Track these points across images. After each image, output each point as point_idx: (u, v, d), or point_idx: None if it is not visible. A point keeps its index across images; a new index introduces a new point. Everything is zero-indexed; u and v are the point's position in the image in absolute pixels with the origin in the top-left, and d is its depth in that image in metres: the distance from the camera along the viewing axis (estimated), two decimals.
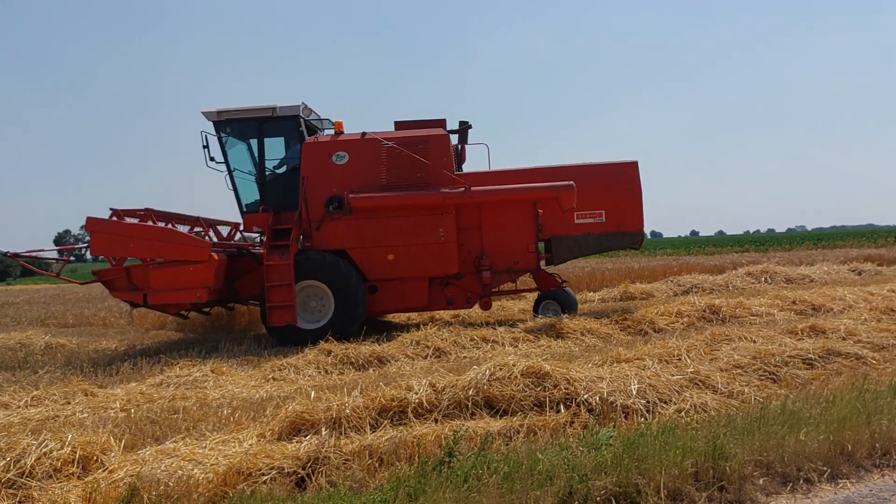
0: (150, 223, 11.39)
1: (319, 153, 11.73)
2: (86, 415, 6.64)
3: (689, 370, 6.50)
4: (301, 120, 12.01)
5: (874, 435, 4.79)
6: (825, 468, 4.49)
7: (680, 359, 6.99)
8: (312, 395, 6.04)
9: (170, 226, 12.07)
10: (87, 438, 5.00)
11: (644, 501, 3.91)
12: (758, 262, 20.62)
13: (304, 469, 4.67)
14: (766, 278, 17.21)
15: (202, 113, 11.92)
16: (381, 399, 5.70)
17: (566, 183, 11.54)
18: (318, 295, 11.52)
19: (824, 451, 4.59)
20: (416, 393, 5.76)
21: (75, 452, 4.79)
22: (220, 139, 12.14)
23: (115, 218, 11.21)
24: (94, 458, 4.85)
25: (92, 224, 10.90)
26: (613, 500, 3.90)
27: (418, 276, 11.74)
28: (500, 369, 6.05)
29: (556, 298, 12.15)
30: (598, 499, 3.89)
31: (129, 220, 11.43)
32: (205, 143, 11.85)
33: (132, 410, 6.75)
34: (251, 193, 12.32)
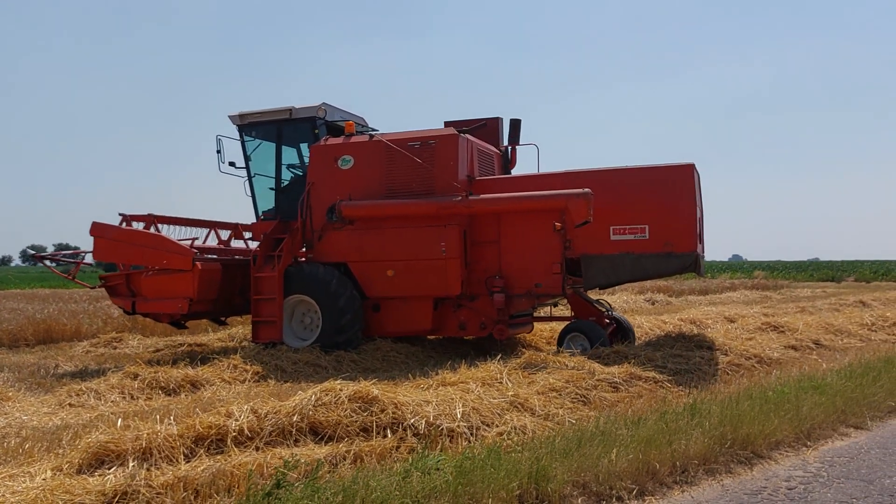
0: (151, 229, 11.12)
1: (326, 157, 10.84)
2: None
3: (510, 393, 6.71)
4: (318, 122, 11.18)
5: (675, 453, 5.19)
6: (633, 486, 4.79)
7: (501, 382, 7.21)
8: (119, 423, 5.53)
9: (188, 234, 12.13)
10: None
11: None
12: None
13: None
14: None
15: (228, 117, 11.55)
16: (198, 426, 5.33)
17: (579, 191, 9.68)
18: (313, 309, 10.63)
19: (633, 470, 4.90)
20: (237, 420, 5.45)
21: None
22: (242, 143, 11.58)
23: (124, 224, 10.97)
24: None
25: (95, 229, 10.87)
26: None
27: (421, 296, 10.42)
28: (327, 394, 5.90)
29: (581, 330, 10.05)
30: None
31: (135, 225, 11.14)
32: (218, 148, 11.35)
33: None
34: (270, 201, 11.60)
